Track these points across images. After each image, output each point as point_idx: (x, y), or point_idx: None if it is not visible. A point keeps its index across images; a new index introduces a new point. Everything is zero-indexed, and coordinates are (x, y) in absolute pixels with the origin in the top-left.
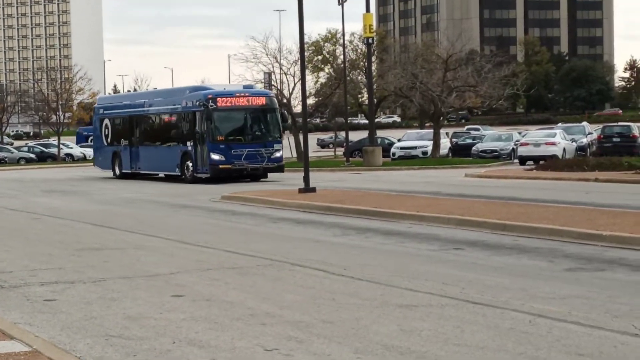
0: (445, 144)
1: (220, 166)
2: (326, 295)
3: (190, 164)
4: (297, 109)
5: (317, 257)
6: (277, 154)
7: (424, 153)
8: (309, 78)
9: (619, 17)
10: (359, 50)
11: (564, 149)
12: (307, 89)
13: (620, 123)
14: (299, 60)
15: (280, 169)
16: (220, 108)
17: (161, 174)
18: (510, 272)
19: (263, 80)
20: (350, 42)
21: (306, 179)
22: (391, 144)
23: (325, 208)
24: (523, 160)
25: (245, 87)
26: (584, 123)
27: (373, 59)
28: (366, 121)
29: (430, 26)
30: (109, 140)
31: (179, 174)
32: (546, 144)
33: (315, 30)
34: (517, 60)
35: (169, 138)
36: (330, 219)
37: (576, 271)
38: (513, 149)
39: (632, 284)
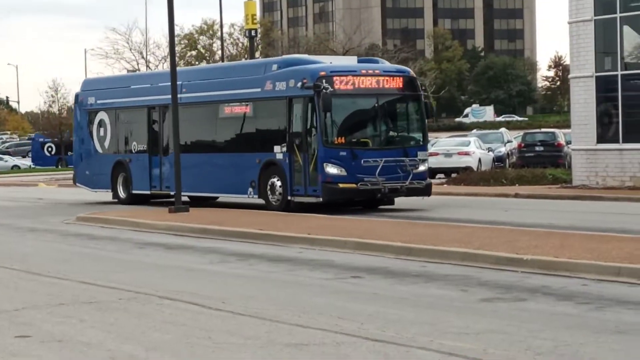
0: None
1: (341, 185)
2: (201, 334)
3: (279, 183)
4: None
5: (191, 288)
6: (422, 167)
7: None
8: None
9: (542, 7)
10: (240, 45)
11: (480, 160)
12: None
13: (543, 129)
14: (169, 56)
15: (427, 190)
16: (339, 93)
17: (215, 196)
18: (417, 304)
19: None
20: (230, 34)
21: (177, 195)
22: None
23: (201, 230)
24: (432, 172)
25: (362, 60)
26: (502, 130)
27: (257, 54)
28: None
29: (324, 16)
30: (106, 145)
31: (255, 196)
32: (459, 153)
33: (188, 21)
34: (424, 56)
35: (237, 141)
36: (206, 244)
37: (493, 301)
38: None
39: (557, 316)
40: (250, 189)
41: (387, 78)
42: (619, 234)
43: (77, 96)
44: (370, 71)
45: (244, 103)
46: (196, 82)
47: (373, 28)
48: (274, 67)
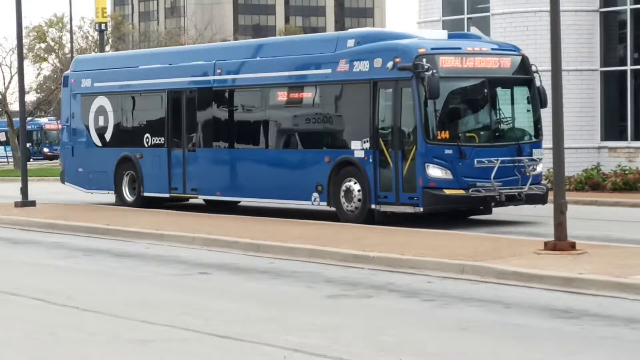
0: None
1: (447, 191)
2: (45, 330)
3: (357, 187)
4: (14, 106)
5: (36, 284)
6: (539, 169)
7: None
8: (30, 70)
9: (392, 7)
10: (91, 38)
11: None
12: (27, 82)
13: None
14: (17, 49)
15: (545, 198)
16: (445, 75)
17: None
18: (264, 300)
19: None
20: (80, 27)
21: (24, 190)
22: None
23: (47, 225)
24: None
25: (454, 35)
26: None
27: (107, 48)
28: None
29: (175, 11)
30: (107, 137)
31: (322, 203)
32: None
33: (38, 12)
34: None
35: (296, 135)
36: (52, 238)
37: (339, 298)
38: None
39: (401, 312)
40: (316, 194)
41: (497, 58)
42: (462, 232)
43: (66, 78)
44: (477, 49)
45: (306, 87)
46: (235, 62)
47: (224, 24)
48: (350, 42)
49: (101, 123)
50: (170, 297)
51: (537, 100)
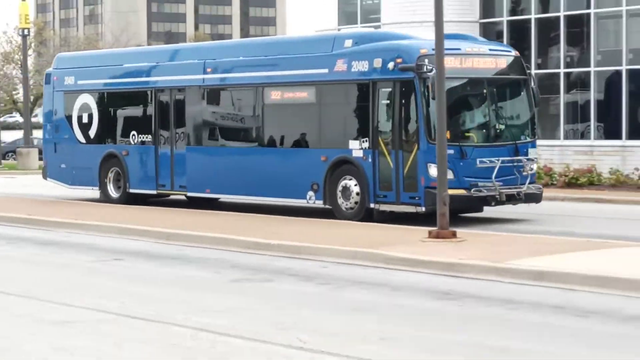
0: None
1: (449, 191)
2: None
3: (355, 186)
4: None
5: None
6: (534, 167)
7: None
8: None
9: (293, 16)
10: (14, 42)
11: None
12: None
13: None
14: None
15: (540, 197)
16: (448, 75)
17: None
18: (174, 284)
19: None
20: (5, 32)
21: None
22: None
23: None
24: None
25: (450, 36)
26: None
27: (30, 52)
28: (22, 120)
29: (93, 19)
30: (91, 133)
31: (318, 202)
32: None
33: None
34: None
35: (291, 134)
36: None
37: (242, 282)
38: None
39: (299, 294)
40: (311, 193)
41: (494, 59)
42: (361, 222)
43: (48, 75)
44: (475, 49)
45: (301, 87)
46: (227, 61)
47: (139, 30)
48: (348, 42)
49: (85, 120)
50: (87, 281)
51: (532, 99)
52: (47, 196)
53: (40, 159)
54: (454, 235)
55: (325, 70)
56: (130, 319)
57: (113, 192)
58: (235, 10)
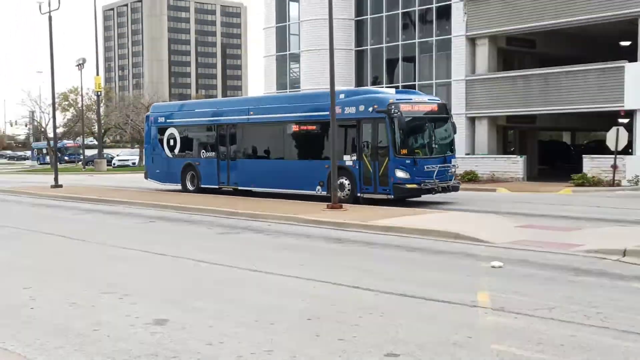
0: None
1: (408, 185)
2: (68, 251)
3: (347, 183)
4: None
5: (59, 228)
6: (455, 171)
7: (134, 163)
8: (59, 115)
9: (251, 85)
10: (92, 99)
11: None
12: (57, 122)
13: None
14: (52, 105)
15: (458, 188)
16: (405, 116)
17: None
18: (184, 235)
19: (28, 116)
20: (87, 93)
21: (56, 178)
22: (113, 157)
23: (68, 197)
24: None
25: (399, 91)
26: None
27: (101, 104)
28: (96, 142)
29: (138, 85)
30: (176, 151)
31: (324, 192)
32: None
33: (64, 85)
34: None
35: (305, 151)
36: (70, 204)
37: (224, 234)
38: None
39: (255, 241)
40: (319, 187)
41: (430, 105)
42: (294, 200)
43: (147, 117)
44: (420, 99)
45: (312, 123)
46: (261, 107)
47: (164, 92)
48: (341, 96)
49: (171, 144)
50: (139, 235)
51: (451, 130)
52: (112, 186)
53: (109, 165)
54: (341, 207)
55: (327, 113)
56: (159, 255)
57: (190, 187)
58: (218, 82)
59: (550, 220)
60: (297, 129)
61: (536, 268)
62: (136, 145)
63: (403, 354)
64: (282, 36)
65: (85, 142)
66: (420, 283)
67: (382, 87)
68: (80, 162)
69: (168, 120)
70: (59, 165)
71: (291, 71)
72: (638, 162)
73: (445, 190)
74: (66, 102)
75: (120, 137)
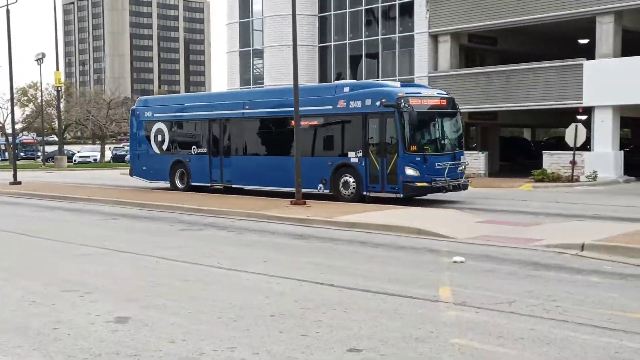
0: (108, 154)
1: (418, 183)
2: (28, 249)
3: (352, 180)
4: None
5: (18, 226)
6: (464, 169)
7: (95, 160)
8: (17, 111)
9: (215, 81)
10: (52, 94)
11: None
12: (16, 118)
13: None
14: (10, 100)
15: (467, 187)
16: (415, 110)
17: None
18: (146, 232)
19: None
20: (46, 89)
21: (15, 175)
22: (74, 153)
23: (28, 195)
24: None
25: (405, 84)
26: None
27: (62, 100)
28: (57, 139)
29: (99, 81)
30: (164, 147)
31: (326, 190)
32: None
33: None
34: None
35: (305, 147)
36: (30, 201)
37: (186, 230)
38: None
39: (217, 237)
40: (321, 185)
41: (439, 100)
42: (256, 197)
43: (133, 110)
44: (428, 93)
45: (313, 118)
46: (257, 101)
47: (126, 88)
48: (346, 89)
49: (159, 139)
50: (97, 232)
51: (460, 125)
52: (73, 183)
53: (70, 162)
54: (304, 203)
55: (330, 107)
56: (120, 252)
57: (179, 184)
58: (181, 77)
59: (510, 216)
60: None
61: (497, 263)
62: (97, 142)
63: (366, 349)
64: (245, 32)
65: (45, 139)
66: (384, 279)
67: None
68: (39, 159)
69: (156, 115)
70: (18, 162)
71: (255, 67)
72: (596, 158)
73: (456, 188)
74: (25, 98)
75: (82, 134)
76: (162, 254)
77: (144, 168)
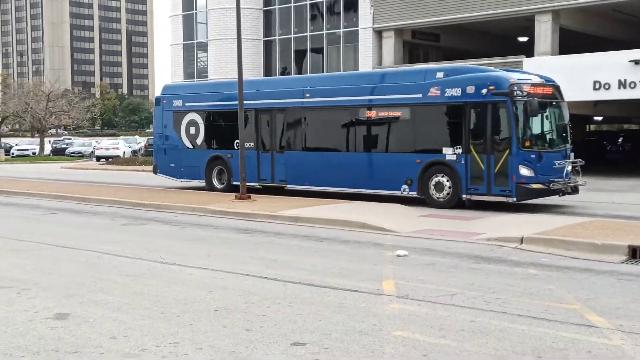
0: (48, 147)
1: (534, 185)
2: None
3: (447, 181)
4: None
5: None
6: (578, 168)
7: (34, 153)
8: None
9: (158, 74)
10: None
11: (124, 152)
12: None
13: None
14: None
15: (578, 189)
16: (532, 99)
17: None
18: (87, 227)
19: None
20: None
21: None
22: (11, 146)
23: None
24: (99, 158)
25: (517, 71)
26: (136, 136)
27: None
28: None
29: (38, 73)
30: (198, 142)
31: (412, 193)
32: (113, 148)
33: None
34: (95, 96)
35: (386, 142)
36: None
37: (128, 225)
38: (92, 151)
39: (160, 232)
40: (405, 186)
41: (549, 87)
42: (199, 191)
43: (158, 99)
44: (540, 80)
45: (397, 108)
46: (323, 89)
47: (67, 80)
48: (439, 74)
49: (192, 132)
50: (36, 227)
51: (568, 117)
52: (11, 177)
53: (7, 155)
54: (249, 197)
55: (420, 95)
56: (58, 247)
57: (217, 184)
58: (124, 70)
59: (452, 210)
60: (374, 115)
61: (439, 256)
62: (36, 134)
63: (310, 343)
64: (189, 24)
65: None
66: (328, 272)
67: None
68: None
69: (187, 104)
70: None
71: (199, 60)
72: None
73: (574, 191)
74: None
75: (20, 126)
76: (103, 248)
77: (172, 165)
